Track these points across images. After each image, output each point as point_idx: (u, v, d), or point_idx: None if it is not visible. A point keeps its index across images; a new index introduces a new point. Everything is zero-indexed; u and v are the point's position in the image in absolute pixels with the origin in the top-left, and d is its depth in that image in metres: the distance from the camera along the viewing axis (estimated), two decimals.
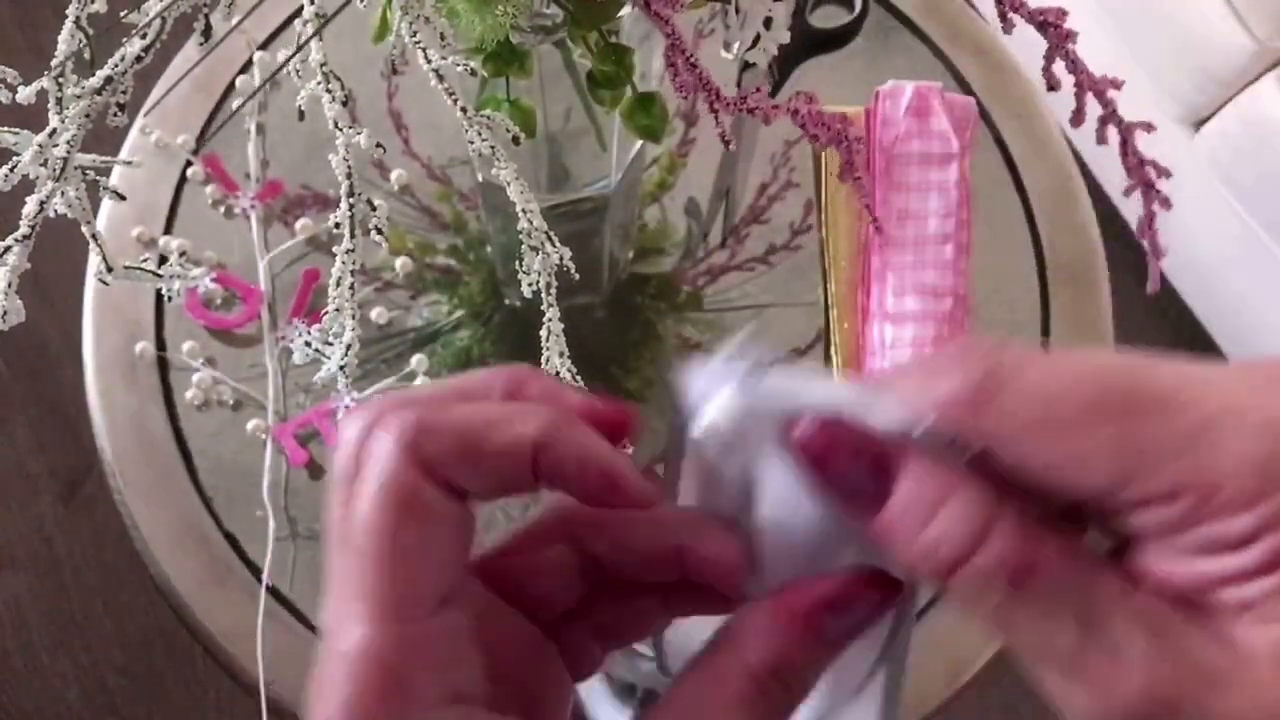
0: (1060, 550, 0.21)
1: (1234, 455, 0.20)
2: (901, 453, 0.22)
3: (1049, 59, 0.36)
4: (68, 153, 0.34)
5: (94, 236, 0.36)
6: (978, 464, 0.22)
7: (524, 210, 0.38)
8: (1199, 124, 1.27)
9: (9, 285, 0.34)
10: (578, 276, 0.40)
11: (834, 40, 0.74)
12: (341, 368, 0.37)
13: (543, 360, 0.41)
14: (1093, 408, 0.21)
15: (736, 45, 0.41)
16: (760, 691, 0.22)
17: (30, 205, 0.34)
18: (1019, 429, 0.21)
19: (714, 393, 0.23)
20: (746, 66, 0.71)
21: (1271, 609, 0.20)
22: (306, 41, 0.35)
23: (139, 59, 0.36)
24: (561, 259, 0.39)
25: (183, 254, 0.69)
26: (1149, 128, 0.36)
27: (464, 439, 0.22)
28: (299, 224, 0.70)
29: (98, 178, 0.37)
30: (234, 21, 0.37)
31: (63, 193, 0.35)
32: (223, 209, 0.71)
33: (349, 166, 0.36)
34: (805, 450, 0.22)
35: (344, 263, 0.36)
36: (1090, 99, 0.36)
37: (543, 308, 0.40)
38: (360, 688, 0.21)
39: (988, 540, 0.21)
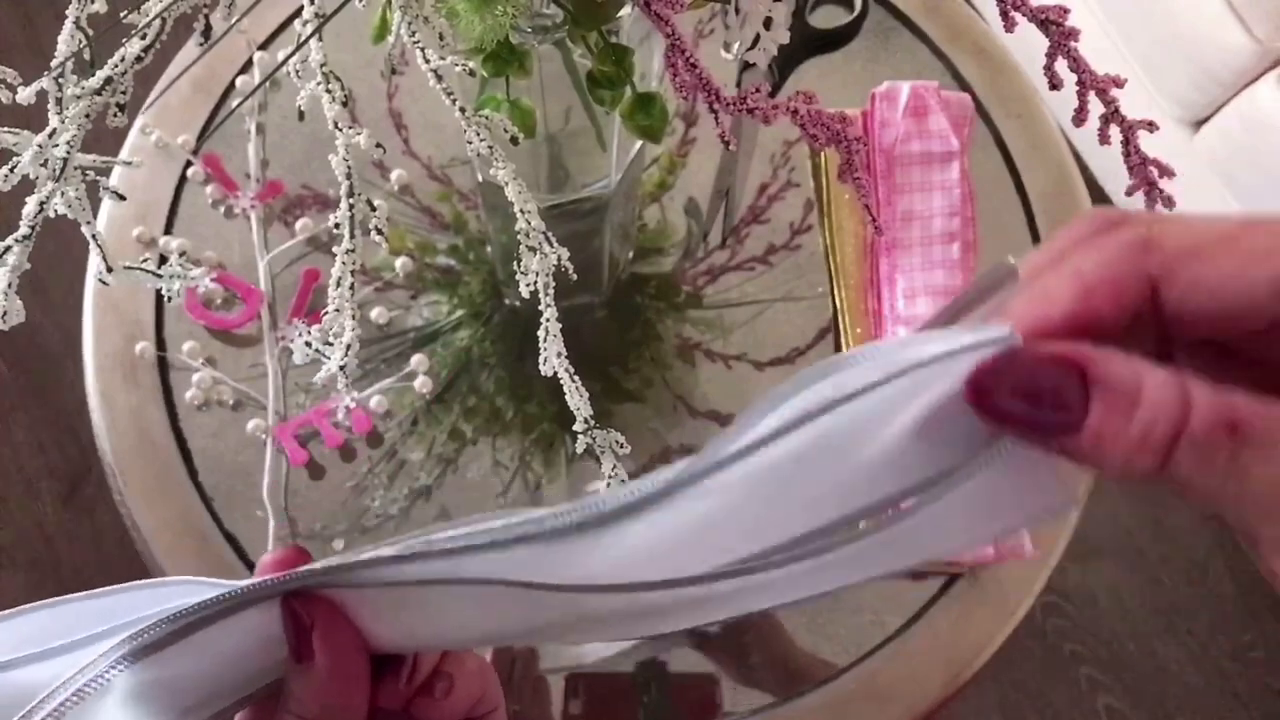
0: (1249, 393, 0.21)
1: None
2: (1073, 359, 0.22)
3: (1051, 57, 0.36)
4: (67, 153, 0.34)
5: (94, 237, 0.36)
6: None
7: (522, 210, 0.38)
8: (1198, 124, 1.27)
9: (9, 285, 0.34)
10: (575, 277, 0.40)
11: (834, 40, 0.74)
12: (341, 368, 0.37)
13: (540, 361, 0.41)
14: (1249, 225, 0.21)
15: (736, 45, 0.41)
16: None
17: (30, 205, 0.34)
18: (1188, 256, 0.22)
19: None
20: (746, 66, 0.71)
21: None
22: (305, 41, 0.35)
23: (139, 59, 0.36)
24: (559, 259, 0.39)
25: (183, 254, 0.69)
26: (1152, 127, 0.36)
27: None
28: (299, 224, 0.70)
29: (98, 178, 0.37)
30: (233, 21, 0.37)
31: (62, 193, 0.35)
32: (223, 209, 0.71)
33: (349, 167, 0.36)
34: (979, 396, 0.22)
35: (344, 263, 0.36)
36: (1092, 98, 0.36)
37: (541, 308, 0.40)
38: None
39: (1193, 404, 0.20)
